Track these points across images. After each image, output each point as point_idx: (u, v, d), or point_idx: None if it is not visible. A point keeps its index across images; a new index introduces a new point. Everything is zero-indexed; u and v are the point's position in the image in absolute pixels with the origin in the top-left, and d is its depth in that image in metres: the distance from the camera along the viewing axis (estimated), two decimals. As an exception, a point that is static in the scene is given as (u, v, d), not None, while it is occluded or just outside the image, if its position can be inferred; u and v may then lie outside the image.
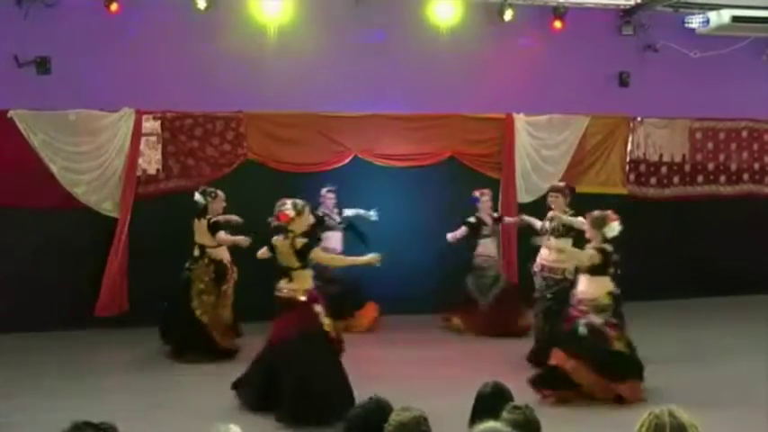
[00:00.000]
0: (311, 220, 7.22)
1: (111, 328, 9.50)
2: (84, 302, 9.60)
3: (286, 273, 6.85)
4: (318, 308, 6.88)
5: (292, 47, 10.34)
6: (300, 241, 6.84)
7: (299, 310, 6.81)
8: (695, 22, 11.31)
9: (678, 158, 11.99)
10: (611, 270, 7.44)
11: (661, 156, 11.89)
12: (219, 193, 8.95)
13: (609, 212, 7.51)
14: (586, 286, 7.41)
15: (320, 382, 6.53)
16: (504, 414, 3.46)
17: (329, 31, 10.54)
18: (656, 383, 7.55)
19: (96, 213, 9.85)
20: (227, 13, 10.23)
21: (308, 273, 6.94)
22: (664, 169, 11.93)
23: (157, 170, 10.10)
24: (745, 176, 12.33)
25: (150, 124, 10.03)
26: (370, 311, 10.03)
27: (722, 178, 12.23)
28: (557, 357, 7.25)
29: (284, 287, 6.86)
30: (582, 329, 7.24)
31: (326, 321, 6.89)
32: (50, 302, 9.55)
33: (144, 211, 9.87)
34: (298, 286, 6.84)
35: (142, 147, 9.99)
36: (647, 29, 11.42)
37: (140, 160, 10.00)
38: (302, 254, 6.83)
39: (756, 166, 12.37)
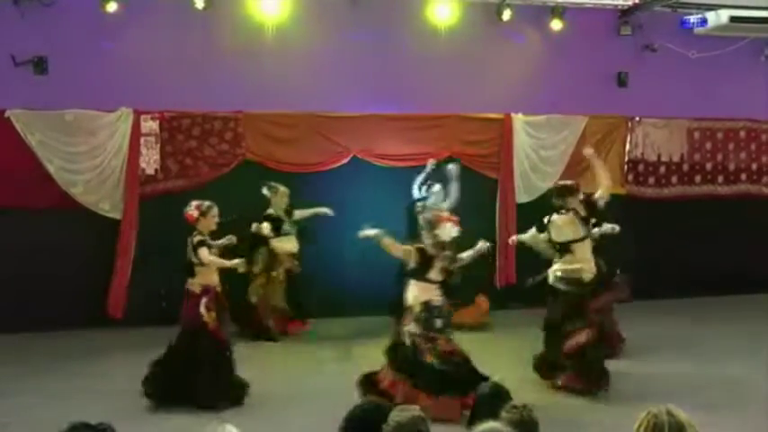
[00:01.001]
0: (215, 220, 7.40)
1: (111, 329, 9.49)
2: (82, 302, 9.59)
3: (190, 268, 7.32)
4: (204, 302, 7.15)
5: (290, 47, 10.34)
6: (196, 239, 7.25)
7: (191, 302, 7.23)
8: (693, 21, 11.34)
9: (676, 158, 12.00)
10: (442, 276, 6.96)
11: (659, 156, 11.90)
12: (281, 188, 9.58)
13: (441, 213, 7.49)
14: (409, 292, 7.02)
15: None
16: (503, 414, 3.46)
17: (327, 31, 10.54)
18: (653, 383, 7.57)
19: (94, 214, 9.83)
20: (225, 13, 10.22)
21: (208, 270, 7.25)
22: (662, 169, 11.94)
23: (156, 170, 10.08)
24: (743, 176, 12.34)
25: (148, 124, 10.01)
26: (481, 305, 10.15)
27: (720, 178, 12.24)
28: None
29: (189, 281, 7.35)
30: (407, 340, 6.89)
31: (209, 315, 7.14)
32: (48, 303, 9.52)
33: (143, 211, 9.86)
34: (198, 281, 7.25)
35: (140, 147, 9.99)
36: (645, 29, 11.43)
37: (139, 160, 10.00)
38: (194, 251, 7.22)
39: (754, 166, 12.38)
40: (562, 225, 7.60)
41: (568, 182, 8.02)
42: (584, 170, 11.39)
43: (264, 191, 9.58)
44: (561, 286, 7.56)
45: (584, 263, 7.60)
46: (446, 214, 7.58)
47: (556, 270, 7.63)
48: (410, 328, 6.87)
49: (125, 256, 9.84)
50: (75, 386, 7.64)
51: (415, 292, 6.94)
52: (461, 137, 11.02)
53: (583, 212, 7.67)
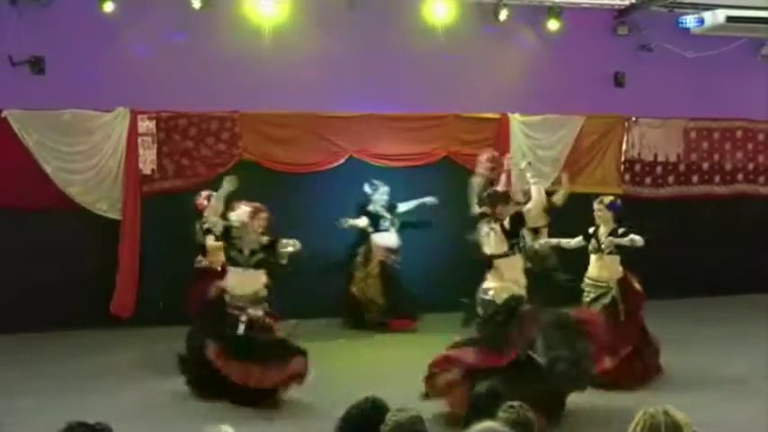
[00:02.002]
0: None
1: (109, 329, 9.48)
2: (79, 303, 9.58)
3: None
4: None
5: (287, 46, 10.35)
6: (205, 226, 7.85)
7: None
8: (689, 22, 11.36)
9: (673, 158, 12.02)
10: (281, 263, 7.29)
11: (656, 155, 11.92)
12: (383, 186, 10.03)
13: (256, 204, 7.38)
14: (237, 281, 7.24)
15: None
16: (500, 413, 3.47)
17: (324, 31, 10.55)
18: (652, 382, 7.57)
19: (93, 214, 9.84)
20: (222, 13, 10.23)
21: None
22: (659, 169, 11.96)
23: (152, 170, 10.07)
24: (740, 176, 12.36)
25: (145, 124, 10.01)
26: None
27: (717, 178, 12.25)
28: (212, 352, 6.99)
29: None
30: (241, 328, 7.03)
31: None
32: (45, 303, 9.53)
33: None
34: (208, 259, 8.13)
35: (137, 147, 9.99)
36: (641, 29, 11.44)
37: (135, 160, 10.01)
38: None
39: (750, 166, 12.40)
40: (487, 236, 6.90)
41: (501, 189, 7.41)
42: (581, 170, 11.49)
43: (366, 188, 9.98)
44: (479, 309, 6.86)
45: (512, 283, 6.82)
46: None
47: (483, 288, 6.88)
48: None
49: (129, 255, 9.84)
50: (74, 386, 7.61)
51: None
52: (458, 136, 11.02)
53: (507, 225, 6.87)
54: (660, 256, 11.30)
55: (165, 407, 7.11)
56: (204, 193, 8.22)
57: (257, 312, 7.14)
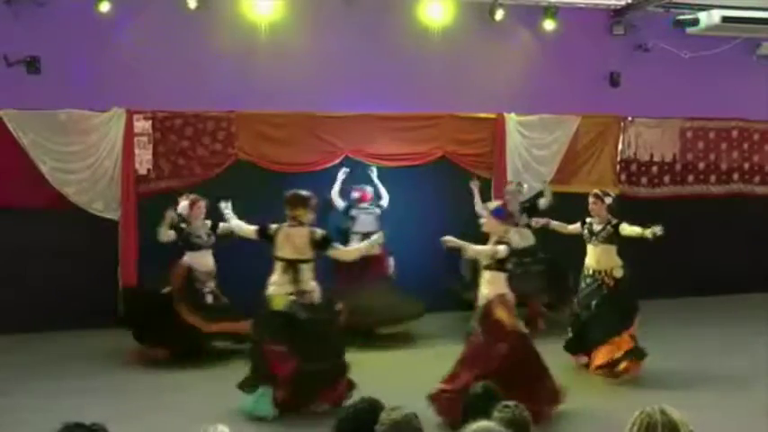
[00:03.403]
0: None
1: (106, 329, 9.44)
2: (76, 303, 9.54)
3: None
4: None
5: (283, 46, 10.34)
6: None
7: None
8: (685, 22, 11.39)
9: (669, 158, 12.03)
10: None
11: (652, 155, 11.93)
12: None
13: None
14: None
15: None
16: (495, 413, 3.47)
17: (320, 31, 10.54)
18: (647, 382, 7.58)
19: (88, 214, 9.81)
20: (218, 13, 10.22)
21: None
22: (654, 169, 11.97)
23: (148, 170, 10.06)
24: (735, 176, 12.37)
25: (141, 124, 9.99)
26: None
27: (712, 178, 12.27)
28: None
29: None
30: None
31: None
32: (43, 303, 9.52)
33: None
34: None
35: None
36: (637, 29, 11.46)
37: (131, 160, 10.00)
38: None
39: (746, 165, 12.41)
40: (284, 238, 6.95)
41: (304, 192, 7.21)
42: (577, 169, 11.49)
43: (514, 187, 10.13)
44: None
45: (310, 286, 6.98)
46: None
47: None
48: None
49: (126, 255, 9.81)
50: (74, 386, 7.61)
51: None
52: (454, 136, 11.02)
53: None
54: (655, 255, 11.35)
55: (165, 407, 7.09)
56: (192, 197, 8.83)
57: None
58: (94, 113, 9.80)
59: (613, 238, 8.13)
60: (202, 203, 8.72)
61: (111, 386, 7.67)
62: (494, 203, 7.70)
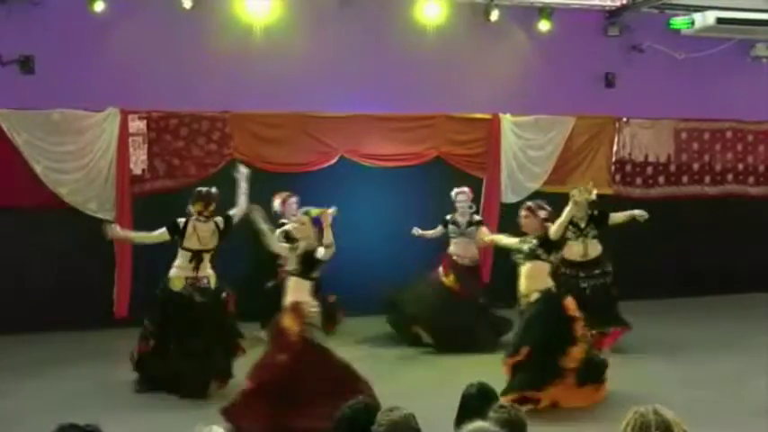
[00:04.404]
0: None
1: (103, 329, 9.43)
2: (72, 303, 9.53)
3: None
4: None
5: (278, 46, 10.33)
6: None
7: None
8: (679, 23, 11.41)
9: (663, 159, 12.06)
10: None
11: (646, 156, 11.95)
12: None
13: None
14: None
15: None
16: (491, 413, 3.47)
17: (315, 31, 10.54)
18: (644, 382, 7.58)
19: (82, 214, 9.78)
20: (213, 13, 10.20)
21: None
22: (649, 169, 11.99)
23: (143, 170, 10.05)
24: (729, 177, 12.41)
25: (135, 124, 9.97)
26: None
27: (707, 178, 12.30)
28: None
29: None
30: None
31: None
32: (42, 303, 9.50)
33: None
34: None
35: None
36: (632, 30, 11.48)
37: (125, 160, 9.98)
38: None
39: (740, 166, 12.45)
40: (192, 232, 7.56)
41: (210, 190, 7.71)
42: (572, 170, 11.50)
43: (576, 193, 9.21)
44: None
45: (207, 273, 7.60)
46: None
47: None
48: None
49: (122, 255, 9.79)
50: (72, 387, 7.60)
51: None
52: (449, 137, 11.03)
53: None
54: (649, 256, 11.39)
55: (162, 407, 7.09)
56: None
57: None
58: (89, 113, 9.78)
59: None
60: (293, 199, 9.01)
61: (107, 386, 7.65)
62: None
